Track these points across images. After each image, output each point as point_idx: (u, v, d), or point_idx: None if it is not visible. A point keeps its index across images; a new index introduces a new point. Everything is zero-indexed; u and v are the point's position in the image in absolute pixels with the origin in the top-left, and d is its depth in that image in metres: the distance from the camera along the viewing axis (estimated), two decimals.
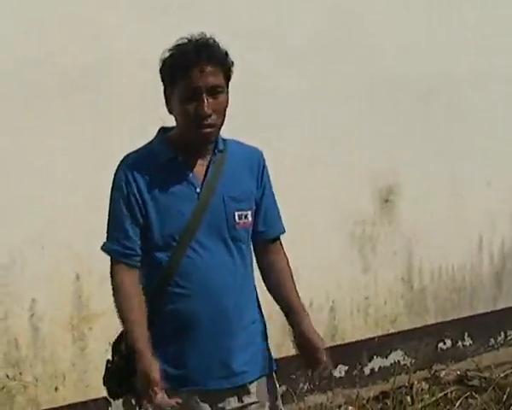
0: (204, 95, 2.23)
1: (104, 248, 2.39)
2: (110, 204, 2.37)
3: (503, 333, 5.84)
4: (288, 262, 2.55)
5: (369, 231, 4.95)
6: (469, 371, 5.27)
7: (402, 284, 5.18)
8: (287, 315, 2.48)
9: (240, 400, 2.40)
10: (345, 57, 4.74)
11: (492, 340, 5.78)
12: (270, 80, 4.32)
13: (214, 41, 2.30)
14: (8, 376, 3.61)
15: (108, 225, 2.37)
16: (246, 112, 3.81)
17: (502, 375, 5.18)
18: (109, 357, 2.45)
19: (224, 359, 2.36)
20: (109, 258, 2.39)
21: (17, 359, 3.63)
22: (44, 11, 3.63)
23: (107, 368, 2.43)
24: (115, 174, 2.36)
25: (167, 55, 2.29)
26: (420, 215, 5.11)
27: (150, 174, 2.31)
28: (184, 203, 2.31)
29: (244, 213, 2.39)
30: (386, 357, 5.09)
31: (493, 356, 5.64)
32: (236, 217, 2.37)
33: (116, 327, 3.73)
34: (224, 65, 2.30)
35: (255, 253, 2.53)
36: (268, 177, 2.52)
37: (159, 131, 2.45)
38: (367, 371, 4.99)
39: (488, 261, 5.69)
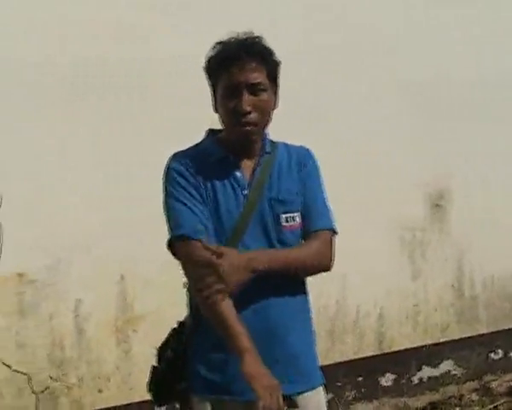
0: (244, 91, 2.18)
1: (174, 236, 2.23)
2: (170, 194, 2.25)
3: None
4: (303, 249, 2.33)
5: (419, 237, 4.86)
6: None
7: (452, 291, 5.07)
8: None
9: None
10: (396, 63, 4.68)
11: None
12: (321, 85, 4.27)
13: (259, 38, 2.25)
14: (51, 377, 3.61)
15: (174, 213, 2.24)
16: (299, 113, 3.77)
17: None
18: (154, 363, 2.41)
19: (267, 364, 2.19)
20: (180, 246, 2.22)
21: (61, 360, 3.64)
22: (85, 17, 3.67)
23: (152, 374, 2.38)
24: (169, 167, 2.28)
25: (211, 52, 2.26)
26: (471, 221, 5.00)
27: (202, 171, 2.26)
28: (233, 204, 2.25)
29: (291, 215, 2.31)
30: (436, 367, 4.98)
31: None
32: (283, 219, 2.29)
33: (160, 330, 3.74)
34: (268, 63, 2.25)
35: None
36: (313, 171, 2.41)
37: (207, 132, 2.40)
38: (415, 380, 4.89)
39: None
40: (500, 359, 5.33)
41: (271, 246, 2.27)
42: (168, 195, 2.27)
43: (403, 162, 4.70)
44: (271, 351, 2.23)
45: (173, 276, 3.73)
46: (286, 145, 2.43)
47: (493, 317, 5.31)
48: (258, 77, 2.20)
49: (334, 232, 2.39)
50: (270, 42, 2.27)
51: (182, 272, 2.26)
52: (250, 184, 2.29)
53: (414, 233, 4.84)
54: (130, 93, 3.81)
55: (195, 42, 3.57)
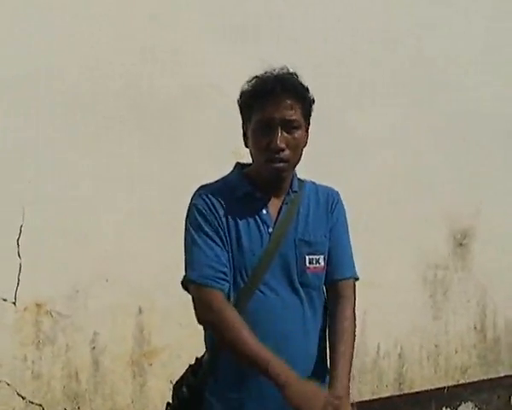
0: (278, 128, 2.15)
1: (188, 279, 2.20)
2: (190, 233, 2.21)
3: None
4: (352, 319, 2.30)
5: (441, 276, 4.79)
6: None
7: (474, 333, 4.99)
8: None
9: None
10: (421, 94, 4.66)
11: None
12: (344, 119, 4.25)
13: (295, 75, 2.23)
14: None
15: (191, 253, 2.20)
16: (318, 151, 3.74)
17: None
18: (169, 399, 2.37)
19: (287, 406, 2.15)
20: (191, 289, 2.20)
21: (76, 392, 3.59)
22: (125, 41, 3.68)
23: None
24: (193, 202, 2.25)
25: (246, 86, 2.24)
26: (495, 261, 4.93)
27: (227, 206, 2.22)
28: (256, 242, 2.20)
29: (316, 257, 2.27)
30: (456, 409, 4.88)
31: None
32: (307, 261, 2.25)
33: (177, 364, 3.71)
34: (303, 100, 2.22)
35: (327, 299, 2.36)
36: (340, 216, 2.37)
37: (235, 165, 2.37)
38: None
39: None
40: None
41: (293, 287, 2.23)
42: (188, 233, 2.24)
43: (429, 198, 4.65)
44: None
45: (192, 310, 3.72)
46: (314, 184, 2.40)
47: None
48: (294, 114, 2.18)
49: (357, 279, 2.37)
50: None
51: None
52: (275, 222, 2.24)
53: (436, 272, 4.78)
54: (167, 120, 3.82)
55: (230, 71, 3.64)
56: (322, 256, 2.28)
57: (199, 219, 2.21)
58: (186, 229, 2.25)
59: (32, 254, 3.45)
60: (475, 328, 4.98)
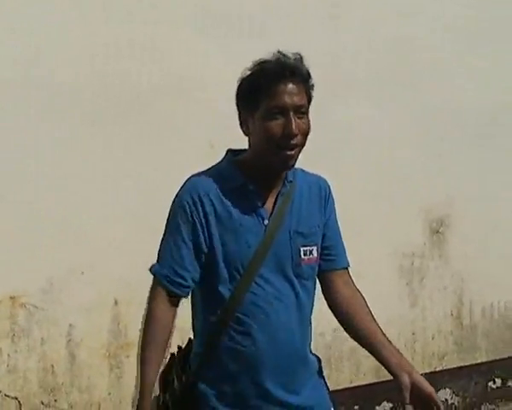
0: (290, 113, 2.10)
1: (152, 270, 2.23)
2: (169, 225, 2.22)
3: None
4: (363, 297, 2.40)
5: (417, 264, 4.81)
6: None
7: (451, 320, 5.02)
8: (376, 354, 2.31)
9: None
10: (397, 88, 4.66)
11: None
12: (320, 112, 4.24)
13: (302, 58, 2.20)
14: (43, 403, 3.56)
15: (163, 246, 2.22)
16: None
17: None
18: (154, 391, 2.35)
19: (285, 397, 2.23)
20: (152, 282, 2.24)
21: (53, 385, 3.58)
22: (104, 37, 3.66)
23: (155, 405, 2.27)
24: (179, 195, 2.21)
25: (248, 73, 2.18)
26: (472, 249, 4.95)
27: (218, 199, 2.17)
28: (251, 235, 2.17)
29: (310, 248, 2.26)
30: None
31: None
32: (302, 253, 2.24)
33: None
34: (308, 85, 2.19)
35: (324, 287, 2.40)
36: (332, 206, 2.40)
37: (226, 152, 2.32)
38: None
39: None
40: (498, 388, 5.27)
41: (288, 279, 2.23)
42: (166, 224, 2.24)
43: (405, 188, 4.66)
44: (286, 379, 2.24)
45: None
46: (303, 173, 2.37)
47: (492, 346, 5.25)
48: (302, 99, 2.15)
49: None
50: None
51: None
52: (271, 214, 2.22)
53: (413, 260, 4.80)
54: (145, 114, 3.80)
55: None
56: (315, 247, 2.28)
57: (178, 216, 2.19)
58: (167, 220, 2.24)
59: (6, 247, 3.43)
60: (452, 315, 5.01)
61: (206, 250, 2.17)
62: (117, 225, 3.65)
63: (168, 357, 2.33)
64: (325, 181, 2.40)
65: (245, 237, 2.17)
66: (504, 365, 5.29)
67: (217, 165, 2.29)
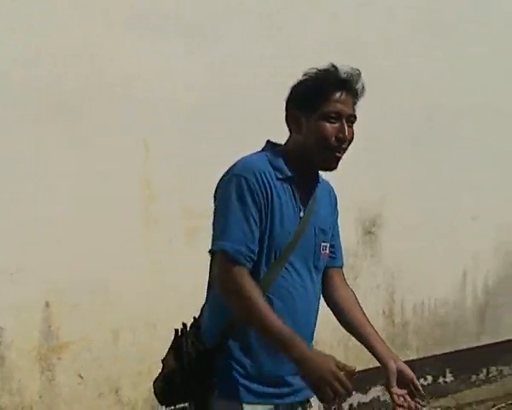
0: (343, 120, 2.35)
1: (220, 248, 2.28)
2: (230, 203, 2.29)
3: (485, 370, 5.77)
4: (354, 294, 2.63)
5: (351, 262, 4.86)
6: (450, 409, 5.21)
7: (383, 318, 5.10)
8: (366, 343, 2.52)
9: None
10: None
11: (474, 376, 5.70)
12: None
13: (359, 73, 2.43)
14: None
15: (228, 223, 2.28)
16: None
17: None
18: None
19: (294, 380, 2.40)
20: (219, 256, 2.30)
21: None
22: (43, 38, 3.60)
23: (163, 373, 2.43)
24: (238, 173, 2.31)
25: (307, 76, 2.39)
26: (403, 249, 5.03)
27: (273, 184, 2.34)
28: (291, 224, 2.36)
29: (326, 244, 2.49)
30: (366, 393, 4.99)
31: (474, 393, 5.56)
32: (321, 248, 2.46)
33: (86, 358, 3.65)
34: (358, 100, 2.44)
35: (323, 281, 2.57)
36: (337, 210, 2.66)
37: (266, 143, 2.48)
38: (346, 407, 4.87)
39: (471, 297, 5.63)
40: (429, 384, 5.38)
41: (309, 270, 2.43)
42: (229, 202, 2.30)
43: (337, 187, 4.68)
44: None
45: (101, 302, 3.67)
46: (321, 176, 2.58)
47: (423, 343, 5.36)
48: (354, 111, 2.41)
49: None
50: None
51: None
52: (305, 208, 2.41)
53: (346, 259, 4.84)
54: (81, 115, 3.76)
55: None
56: (328, 244, 2.52)
57: (246, 193, 2.28)
58: (227, 198, 2.30)
59: None
60: (384, 313, 5.09)
61: (263, 228, 2.31)
62: (48, 226, 3.58)
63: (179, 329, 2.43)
64: (332, 187, 2.67)
65: (287, 225, 2.35)
66: (435, 362, 5.40)
67: (260, 153, 2.44)
